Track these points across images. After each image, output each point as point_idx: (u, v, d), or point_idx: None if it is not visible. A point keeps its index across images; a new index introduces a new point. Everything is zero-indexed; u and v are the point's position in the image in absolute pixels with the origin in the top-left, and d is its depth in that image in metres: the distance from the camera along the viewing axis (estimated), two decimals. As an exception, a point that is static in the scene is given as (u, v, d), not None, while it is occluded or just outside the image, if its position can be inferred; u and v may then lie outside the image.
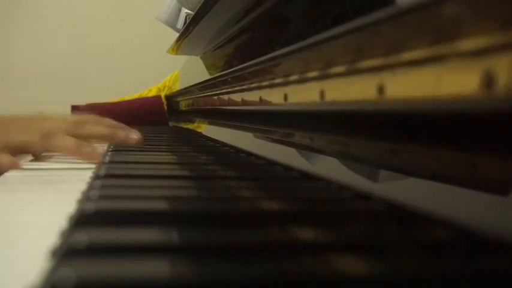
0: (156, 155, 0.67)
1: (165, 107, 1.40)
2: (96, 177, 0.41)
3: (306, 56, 0.41)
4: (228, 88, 0.71)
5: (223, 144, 0.73)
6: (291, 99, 0.45)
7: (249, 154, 0.60)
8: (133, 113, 1.05)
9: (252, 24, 0.72)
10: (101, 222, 0.25)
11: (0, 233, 0.29)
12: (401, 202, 0.29)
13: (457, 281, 0.19)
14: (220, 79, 0.75)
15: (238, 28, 0.78)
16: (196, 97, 1.03)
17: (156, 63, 1.70)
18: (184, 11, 1.16)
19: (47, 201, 0.38)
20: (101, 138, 0.70)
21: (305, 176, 0.43)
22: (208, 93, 0.87)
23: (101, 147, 0.68)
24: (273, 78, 0.49)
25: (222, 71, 0.75)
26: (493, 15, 0.21)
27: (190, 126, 1.17)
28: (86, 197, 0.33)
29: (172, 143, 0.86)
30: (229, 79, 0.69)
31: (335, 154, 0.41)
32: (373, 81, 0.30)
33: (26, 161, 0.61)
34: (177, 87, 1.36)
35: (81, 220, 0.26)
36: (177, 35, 1.08)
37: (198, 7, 0.79)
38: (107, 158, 0.55)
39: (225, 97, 0.73)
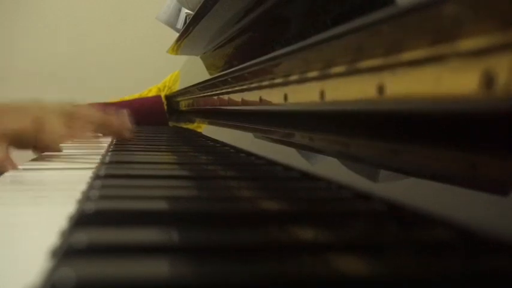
0: (156, 155, 0.67)
1: (165, 107, 1.40)
2: (96, 177, 0.41)
3: (306, 56, 0.41)
4: (228, 88, 0.71)
5: (223, 144, 0.73)
6: (291, 99, 0.45)
7: (249, 154, 0.60)
8: (133, 113, 1.05)
9: (252, 24, 0.72)
10: (101, 222, 0.25)
11: (0, 233, 0.29)
12: (401, 202, 0.29)
13: (457, 281, 0.19)
14: (220, 79, 0.75)
15: (238, 28, 0.78)
16: (196, 97, 1.03)
17: (156, 63, 1.70)
18: (184, 11, 1.16)
19: (47, 201, 0.38)
20: (93, 124, 0.69)
21: (305, 176, 0.43)
22: (208, 93, 0.87)
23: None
24: (273, 78, 0.49)
25: (222, 71, 0.75)
26: (493, 15, 0.21)
27: (190, 126, 1.17)
28: (86, 197, 0.33)
29: (172, 143, 0.86)
30: (229, 79, 0.69)
31: (335, 154, 0.41)
32: (373, 81, 0.30)
33: (26, 161, 0.61)
34: (177, 87, 1.36)
35: (81, 220, 0.26)
36: (177, 35, 1.08)
37: (198, 7, 0.79)
38: (107, 158, 0.55)
39: (225, 97, 0.73)
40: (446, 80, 0.23)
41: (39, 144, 0.65)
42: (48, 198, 0.39)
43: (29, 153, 0.65)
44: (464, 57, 0.22)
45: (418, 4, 0.25)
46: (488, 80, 0.21)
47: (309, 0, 0.52)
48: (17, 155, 0.61)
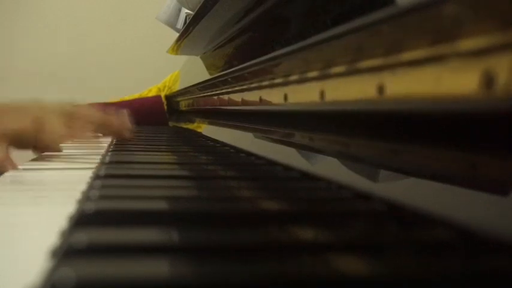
0: (156, 155, 0.67)
1: (165, 107, 1.40)
2: (96, 177, 0.41)
3: (306, 56, 0.41)
4: (228, 88, 0.71)
5: (223, 144, 0.73)
6: (291, 99, 0.45)
7: (249, 154, 0.60)
8: (133, 113, 1.05)
9: (252, 24, 0.72)
10: (101, 222, 0.25)
11: (0, 233, 0.29)
12: (401, 202, 0.29)
13: (457, 281, 0.19)
14: (220, 79, 0.75)
15: (238, 28, 0.78)
16: (196, 97, 1.03)
17: (156, 63, 1.70)
18: (184, 11, 1.16)
19: (47, 201, 0.38)
20: (93, 123, 0.70)
21: (305, 176, 0.43)
22: (208, 93, 0.87)
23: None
24: (273, 78, 0.49)
25: (222, 71, 0.75)
26: (493, 15, 0.21)
27: (190, 126, 1.17)
28: (86, 197, 0.33)
29: (172, 143, 0.86)
30: (229, 79, 0.69)
31: (335, 154, 0.41)
32: (373, 81, 0.30)
33: (26, 161, 0.61)
34: (177, 87, 1.36)
35: (81, 220, 0.26)
36: (177, 35, 1.08)
37: (198, 7, 0.79)
38: (107, 158, 0.55)
39: (225, 97, 0.73)
40: (446, 80, 0.23)
41: (39, 144, 0.65)
42: (48, 198, 0.39)
43: (29, 153, 0.65)
44: (464, 57, 0.22)
45: (418, 4, 0.25)
46: (488, 80, 0.21)
47: (309, 0, 0.52)
48: (17, 155, 0.61)
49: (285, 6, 0.58)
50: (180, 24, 1.17)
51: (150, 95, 1.44)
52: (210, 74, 0.95)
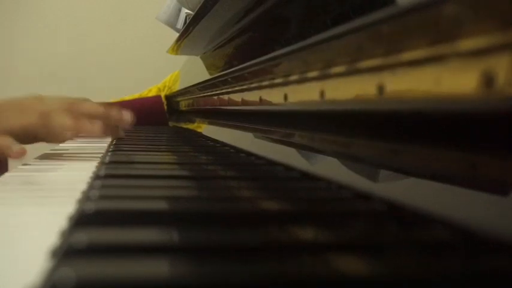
0: (156, 155, 0.67)
1: (165, 107, 1.39)
2: (96, 177, 0.41)
3: (306, 56, 0.41)
4: (228, 88, 0.71)
5: (223, 144, 0.73)
6: (291, 99, 0.45)
7: (249, 154, 0.60)
8: (134, 113, 1.05)
9: (252, 24, 0.72)
10: (101, 222, 0.25)
11: (0, 233, 0.29)
12: (401, 202, 0.29)
13: (457, 281, 0.19)
14: (220, 79, 0.75)
15: (238, 28, 0.78)
16: (196, 97, 1.03)
17: (156, 63, 1.70)
18: (184, 11, 1.16)
19: (47, 201, 0.38)
20: (96, 116, 0.70)
21: (305, 176, 0.43)
22: (208, 93, 0.87)
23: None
24: (273, 78, 0.49)
25: (222, 71, 0.75)
26: (493, 15, 0.21)
27: (190, 126, 1.17)
28: (86, 197, 0.33)
29: (172, 143, 0.86)
30: (229, 79, 0.69)
31: (335, 154, 0.41)
32: (373, 81, 0.30)
33: (25, 161, 0.61)
34: (177, 87, 1.36)
35: (81, 220, 0.26)
36: (177, 35, 1.08)
37: (198, 7, 0.79)
38: (107, 158, 0.55)
39: (225, 97, 0.73)
40: (446, 80, 0.23)
41: (46, 138, 0.66)
42: (48, 198, 0.39)
43: (29, 153, 0.65)
44: (464, 57, 0.22)
45: (418, 4, 0.25)
46: (488, 80, 0.21)
47: (309, 0, 0.52)
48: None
49: (285, 6, 0.58)
50: (180, 24, 1.17)
51: (150, 95, 1.43)
52: (210, 74, 0.95)
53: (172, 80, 1.43)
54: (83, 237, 0.22)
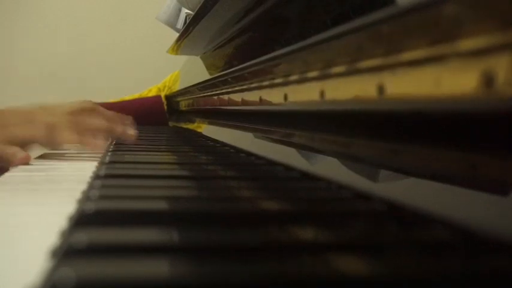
0: (156, 155, 0.67)
1: (165, 107, 1.39)
2: (96, 177, 0.41)
3: (306, 56, 0.41)
4: (228, 88, 0.71)
5: (223, 144, 0.73)
6: (291, 99, 0.45)
7: (249, 154, 0.60)
8: (133, 113, 1.05)
9: (252, 24, 0.72)
10: (101, 222, 0.25)
11: (0, 233, 0.29)
12: (401, 202, 0.29)
13: (457, 281, 0.19)
14: (220, 79, 0.75)
15: (238, 28, 0.78)
16: (196, 97, 1.03)
17: (156, 63, 1.69)
18: (184, 11, 1.16)
19: (47, 201, 0.38)
20: (98, 131, 0.71)
21: (305, 176, 0.43)
22: (208, 93, 0.87)
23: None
24: (273, 78, 0.49)
25: (222, 71, 0.75)
26: (493, 15, 0.21)
27: (190, 126, 1.17)
28: (86, 197, 0.33)
29: (172, 143, 0.86)
30: (229, 79, 0.69)
31: (335, 154, 0.41)
32: (373, 81, 0.30)
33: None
34: (177, 87, 1.36)
35: (81, 220, 0.26)
36: (177, 35, 1.08)
37: (198, 7, 0.79)
38: (107, 158, 0.55)
39: (225, 97, 0.73)
40: (446, 80, 0.23)
41: (48, 147, 0.68)
42: (48, 198, 0.39)
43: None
44: (464, 57, 0.22)
45: (418, 4, 0.25)
46: (488, 80, 0.21)
47: (309, 0, 0.52)
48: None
49: (285, 6, 0.58)
50: (180, 24, 1.17)
51: (150, 95, 1.43)
52: (210, 74, 0.95)
53: (172, 80, 1.43)
54: (83, 237, 0.22)
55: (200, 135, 0.98)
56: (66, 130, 0.65)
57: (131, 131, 0.74)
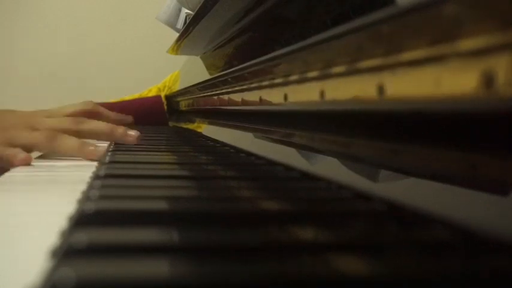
0: (156, 155, 0.67)
1: (165, 107, 1.39)
2: (96, 177, 0.41)
3: (306, 56, 0.41)
4: (228, 88, 0.71)
5: (223, 144, 0.73)
6: (291, 99, 0.45)
7: (249, 154, 0.60)
8: (134, 113, 1.05)
9: (252, 24, 0.72)
10: (101, 222, 0.25)
11: (0, 233, 0.29)
12: (401, 202, 0.29)
13: (457, 281, 0.19)
14: (220, 79, 0.75)
15: (238, 28, 0.78)
16: (196, 97, 1.03)
17: (156, 63, 1.69)
18: (184, 11, 1.16)
19: (47, 201, 0.38)
20: (100, 135, 0.71)
21: (305, 176, 0.43)
22: (208, 93, 0.87)
23: (102, 146, 0.69)
24: (273, 78, 0.49)
25: (222, 71, 0.75)
26: (493, 15, 0.21)
27: (190, 126, 1.17)
28: (86, 197, 0.33)
29: (172, 143, 0.86)
30: (229, 79, 0.69)
31: (335, 154, 0.41)
32: (373, 81, 0.30)
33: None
34: (177, 87, 1.36)
35: (81, 220, 0.26)
36: (177, 35, 1.08)
37: (198, 7, 0.79)
38: (107, 158, 0.55)
39: (225, 97, 0.73)
40: (446, 80, 0.23)
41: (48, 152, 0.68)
42: (48, 198, 0.39)
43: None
44: (464, 57, 0.22)
45: (418, 4, 0.25)
46: (488, 80, 0.21)
47: (309, 0, 0.52)
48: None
49: (285, 6, 0.58)
50: (180, 24, 1.17)
51: (150, 95, 1.43)
52: (210, 74, 0.95)
53: (172, 80, 1.43)
54: (83, 237, 0.22)
55: (200, 135, 0.98)
56: (67, 138, 0.65)
57: (134, 133, 0.73)
